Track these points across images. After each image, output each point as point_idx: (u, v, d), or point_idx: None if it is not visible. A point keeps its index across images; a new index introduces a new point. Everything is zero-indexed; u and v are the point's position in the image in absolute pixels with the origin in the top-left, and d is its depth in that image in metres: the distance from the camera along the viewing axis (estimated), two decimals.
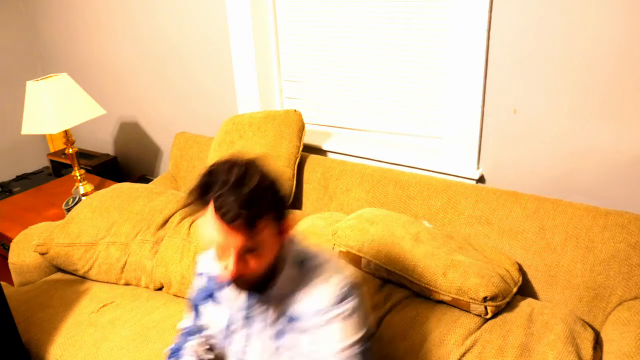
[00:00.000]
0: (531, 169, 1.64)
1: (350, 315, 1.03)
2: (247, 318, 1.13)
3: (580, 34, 1.42)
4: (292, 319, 1.06)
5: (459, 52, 1.61)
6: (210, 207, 0.94)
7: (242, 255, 0.97)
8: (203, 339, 1.24)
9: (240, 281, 1.02)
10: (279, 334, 1.08)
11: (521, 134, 1.61)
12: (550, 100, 1.53)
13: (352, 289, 1.04)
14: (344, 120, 2.11)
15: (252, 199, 0.92)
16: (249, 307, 1.12)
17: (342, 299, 1.02)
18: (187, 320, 1.29)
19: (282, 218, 1.01)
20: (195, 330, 1.26)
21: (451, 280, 1.36)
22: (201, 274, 1.22)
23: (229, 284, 1.04)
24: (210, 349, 1.25)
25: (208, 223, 0.96)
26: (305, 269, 1.07)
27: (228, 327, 1.16)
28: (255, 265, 0.99)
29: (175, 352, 1.24)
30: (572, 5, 1.41)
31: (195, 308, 1.25)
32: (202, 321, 1.24)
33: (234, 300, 1.14)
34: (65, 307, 1.72)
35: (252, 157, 1.01)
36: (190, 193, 0.98)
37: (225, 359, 1.21)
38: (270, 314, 1.09)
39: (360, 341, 1.03)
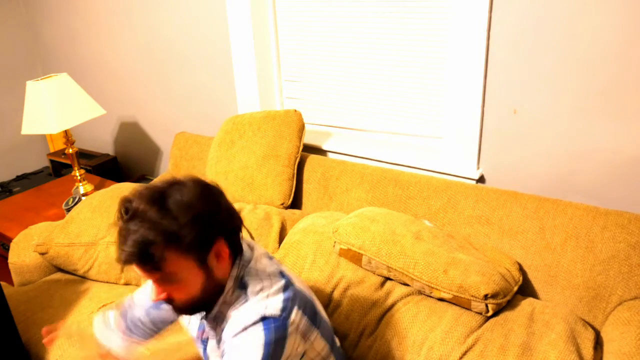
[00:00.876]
0: (531, 169, 1.64)
1: (250, 347, 0.95)
2: (204, 335, 1.12)
3: (580, 34, 1.42)
4: (219, 341, 1.04)
5: (459, 52, 1.61)
6: None
7: (161, 285, 0.94)
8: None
9: (174, 307, 0.99)
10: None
11: (521, 134, 1.62)
12: (550, 100, 1.53)
13: (267, 322, 0.97)
14: (344, 120, 2.12)
15: (146, 239, 0.87)
16: (201, 326, 1.12)
17: (248, 328, 0.96)
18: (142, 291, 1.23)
19: (205, 247, 0.95)
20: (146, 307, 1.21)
21: (452, 277, 1.37)
22: None
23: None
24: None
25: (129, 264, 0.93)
26: (239, 290, 1.03)
27: (200, 335, 1.15)
28: (178, 294, 0.96)
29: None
30: (572, 5, 1.41)
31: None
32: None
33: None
34: (65, 307, 1.72)
35: (179, 179, 0.95)
36: (114, 219, 0.95)
37: None
38: (217, 334, 1.08)
39: None
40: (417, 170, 1.85)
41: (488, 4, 1.51)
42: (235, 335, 0.97)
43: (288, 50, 2.16)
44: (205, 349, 1.15)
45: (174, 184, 0.95)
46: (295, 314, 1.02)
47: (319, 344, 1.11)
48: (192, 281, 0.95)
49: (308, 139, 2.11)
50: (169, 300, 0.98)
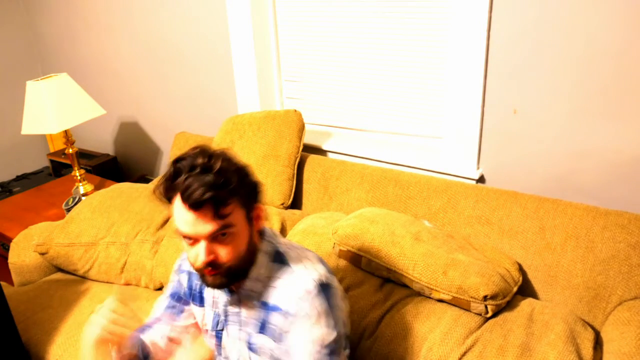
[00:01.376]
0: (531, 169, 1.64)
1: (326, 301, 1.00)
2: (226, 319, 1.12)
3: (579, 34, 1.42)
4: (268, 309, 1.04)
5: (459, 52, 1.61)
6: (178, 195, 0.94)
7: (212, 243, 0.96)
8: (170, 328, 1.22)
9: (213, 274, 0.99)
10: (253, 333, 1.06)
11: (521, 134, 1.61)
12: (550, 100, 1.53)
13: (326, 288, 1.02)
14: (344, 120, 2.11)
15: (218, 182, 0.93)
16: (225, 307, 1.11)
17: (318, 287, 1.00)
18: (158, 309, 1.25)
19: (251, 204, 1.01)
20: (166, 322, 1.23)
21: (451, 279, 1.36)
22: (183, 271, 1.21)
23: (202, 278, 1.02)
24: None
25: (177, 212, 0.95)
26: (279, 263, 1.05)
27: (214, 326, 1.15)
28: (226, 253, 0.98)
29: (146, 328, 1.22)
30: (571, 5, 1.41)
31: (179, 300, 1.22)
32: (182, 319, 1.23)
33: (218, 299, 1.13)
34: (65, 307, 1.72)
35: (220, 148, 1.02)
36: (159, 184, 0.98)
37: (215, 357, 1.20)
38: (244, 314, 1.08)
39: (334, 342, 1.00)
40: (417, 170, 1.85)
41: (488, 4, 1.51)
42: (304, 309, 0.99)
43: (288, 50, 2.15)
44: (219, 340, 1.15)
45: (216, 150, 1.00)
46: (336, 282, 1.08)
47: (345, 316, 1.13)
48: (242, 235, 0.99)
49: (308, 139, 2.11)
50: (214, 265, 0.98)
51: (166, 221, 1.87)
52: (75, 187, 2.42)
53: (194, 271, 1.14)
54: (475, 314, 1.37)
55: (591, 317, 1.41)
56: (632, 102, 1.41)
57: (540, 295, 1.50)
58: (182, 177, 0.93)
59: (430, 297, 1.44)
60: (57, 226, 1.91)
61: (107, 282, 1.86)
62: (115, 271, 1.83)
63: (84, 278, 1.90)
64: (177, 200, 0.94)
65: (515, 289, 1.42)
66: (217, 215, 0.93)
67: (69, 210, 2.26)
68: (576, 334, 1.30)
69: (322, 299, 1.00)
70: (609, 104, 1.45)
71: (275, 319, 1.03)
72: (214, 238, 0.96)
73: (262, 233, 1.08)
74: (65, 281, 1.88)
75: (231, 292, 1.08)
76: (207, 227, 0.94)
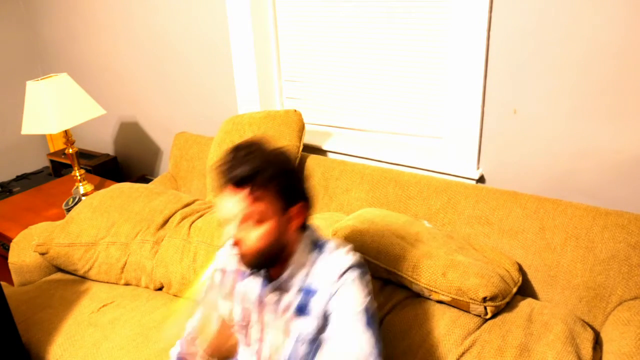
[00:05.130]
0: (531, 169, 1.64)
1: (363, 277, 1.08)
2: (261, 307, 1.14)
3: (580, 34, 1.42)
4: (308, 293, 1.08)
5: (459, 52, 1.61)
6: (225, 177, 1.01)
7: (242, 224, 1.02)
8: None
9: (244, 253, 1.05)
10: (293, 319, 1.10)
11: (521, 134, 1.61)
12: (550, 100, 1.53)
13: (362, 267, 1.09)
14: (344, 120, 2.11)
15: (258, 167, 0.99)
16: (262, 295, 1.13)
17: (354, 265, 1.07)
18: (191, 323, 1.28)
19: (291, 201, 1.04)
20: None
21: (451, 280, 1.36)
22: (218, 270, 1.22)
23: (240, 261, 1.08)
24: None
25: (223, 195, 1.02)
26: (318, 251, 1.11)
27: (242, 321, 1.17)
28: (252, 239, 1.02)
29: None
30: (571, 5, 1.41)
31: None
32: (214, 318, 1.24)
33: (249, 292, 1.15)
34: (65, 307, 1.72)
35: (283, 147, 1.08)
36: (215, 167, 1.05)
37: (237, 353, 1.21)
38: (283, 301, 1.10)
39: (372, 309, 1.07)
40: (417, 170, 1.85)
41: (488, 4, 1.51)
42: (340, 276, 1.06)
43: (288, 50, 2.15)
44: (246, 332, 1.17)
45: (273, 147, 1.06)
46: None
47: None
48: (273, 225, 1.03)
49: (308, 139, 2.11)
50: (240, 244, 1.04)
51: (166, 221, 1.87)
52: (75, 187, 2.42)
53: (230, 269, 1.20)
54: (475, 315, 1.37)
55: (591, 317, 1.41)
56: (632, 102, 1.41)
57: (540, 296, 1.50)
58: (231, 155, 1.01)
59: (429, 299, 1.44)
60: (57, 226, 1.91)
61: (107, 282, 1.86)
62: (116, 271, 1.83)
63: (84, 278, 1.90)
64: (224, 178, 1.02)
65: (514, 289, 1.42)
66: (252, 195, 0.99)
67: (69, 210, 2.26)
68: (575, 334, 1.30)
69: (357, 272, 1.07)
70: (609, 104, 1.45)
71: (316, 300, 1.07)
72: (247, 216, 1.01)
73: (304, 227, 1.12)
74: (65, 281, 1.88)
75: (270, 279, 1.12)
76: (235, 206, 1.00)
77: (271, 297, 1.12)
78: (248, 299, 1.16)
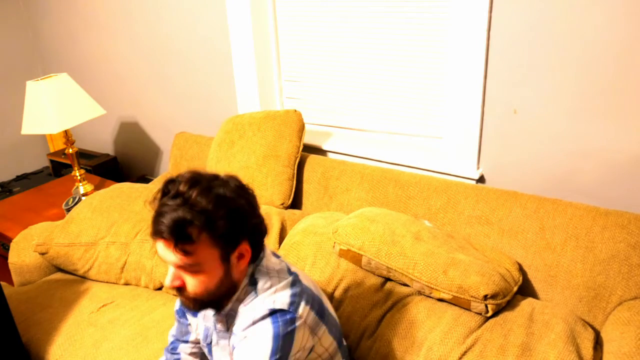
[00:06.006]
0: (531, 169, 1.64)
1: (260, 339, 0.97)
2: (216, 333, 1.13)
3: (580, 34, 1.42)
4: (232, 335, 1.05)
5: (459, 52, 1.61)
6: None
7: (179, 269, 0.96)
8: (192, 345, 1.25)
9: (185, 298, 1.00)
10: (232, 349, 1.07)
11: (521, 134, 1.62)
12: (550, 100, 1.53)
13: (277, 317, 0.99)
14: (344, 120, 2.12)
15: (185, 217, 0.90)
16: (214, 323, 1.12)
17: (271, 314, 0.99)
18: (174, 329, 1.29)
19: (232, 243, 0.97)
20: (181, 339, 1.27)
21: (452, 278, 1.36)
22: None
23: (182, 304, 1.03)
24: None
25: (156, 243, 0.95)
26: (251, 287, 1.05)
27: (205, 339, 1.16)
28: (193, 285, 0.97)
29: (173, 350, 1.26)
30: (572, 5, 1.41)
31: (183, 315, 1.25)
32: (190, 330, 1.26)
33: (208, 313, 1.14)
34: (65, 307, 1.72)
35: (222, 175, 0.98)
36: (154, 198, 0.96)
37: None
38: (228, 331, 1.09)
39: None
40: (417, 170, 1.85)
41: (488, 4, 1.51)
42: (245, 329, 0.99)
43: (288, 50, 2.15)
44: (210, 351, 1.16)
45: (217, 178, 0.98)
46: (302, 309, 1.04)
47: (327, 339, 1.12)
48: (212, 274, 0.97)
49: (308, 139, 2.11)
50: (180, 290, 0.99)
51: None
52: (75, 187, 2.42)
53: None
54: (476, 313, 1.37)
55: (591, 317, 1.41)
56: (632, 102, 1.41)
57: (540, 295, 1.50)
58: (161, 201, 0.93)
59: (430, 297, 1.44)
60: (57, 226, 1.91)
61: (107, 282, 1.86)
62: (115, 271, 1.83)
63: (84, 278, 1.90)
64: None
65: (515, 288, 1.42)
66: (179, 249, 0.92)
67: (69, 210, 2.26)
68: (576, 333, 1.30)
69: (266, 325, 0.98)
70: (609, 104, 1.45)
71: (234, 341, 1.03)
72: (180, 267, 0.95)
73: (255, 258, 1.06)
74: (65, 281, 1.88)
75: (218, 309, 1.08)
76: (170, 257, 0.94)
77: (220, 326, 1.10)
78: (209, 319, 1.14)
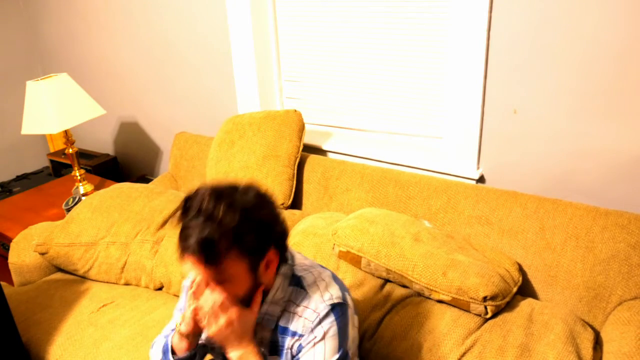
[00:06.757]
0: (531, 169, 1.64)
1: (342, 318, 1.03)
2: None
3: (580, 34, 1.42)
4: (284, 331, 1.05)
5: (459, 52, 1.61)
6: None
7: (209, 282, 0.97)
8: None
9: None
10: (267, 354, 1.08)
11: (521, 134, 1.61)
12: (550, 100, 1.53)
13: (337, 309, 1.03)
14: (344, 120, 2.11)
15: (214, 236, 0.90)
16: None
17: (331, 310, 1.02)
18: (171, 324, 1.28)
19: (260, 253, 0.98)
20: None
21: (451, 279, 1.36)
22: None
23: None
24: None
25: (184, 261, 0.95)
26: (296, 287, 1.06)
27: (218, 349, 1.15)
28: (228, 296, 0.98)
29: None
30: (571, 5, 1.41)
31: None
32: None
33: None
34: (65, 307, 1.72)
35: (242, 185, 0.98)
36: (176, 215, 0.97)
37: None
38: (259, 335, 1.08)
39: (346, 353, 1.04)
40: (417, 170, 1.85)
41: (488, 4, 1.51)
42: (314, 329, 1.02)
43: (288, 50, 2.15)
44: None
45: (237, 188, 0.98)
46: (349, 298, 1.09)
47: (355, 331, 1.14)
48: (240, 285, 0.99)
49: (308, 139, 2.11)
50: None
51: (166, 221, 1.87)
52: (75, 187, 2.42)
53: None
54: (475, 314, 1.37)
55: (591, 317, 1.41)
56: (632, 102, 1.41)
57: (540, 295, 1.50)
58: (186, 219, 0.93)
59: (430, 298, 1.44)
60: (57, 226, 1.91)
61: (107, 282, 1.86)
62: (115, 271, 1.83)
63: (84, 278, 1.90)
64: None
65: (515, 289, 1.42)
66: (209, 267, 0.93)
67: (69, 210, 2.26)
68: (576, 334, 1.30)
69: (332, 321, 1.02)
70: (609, 104, 1.45)
71: (289, 342, 1.05)
72: (212, 279, 0.96)
73: (281, 264, 1.07)
74: (65, 281, 1.88)
75: None
76: (200, 272, 0.95)
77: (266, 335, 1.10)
78: None
